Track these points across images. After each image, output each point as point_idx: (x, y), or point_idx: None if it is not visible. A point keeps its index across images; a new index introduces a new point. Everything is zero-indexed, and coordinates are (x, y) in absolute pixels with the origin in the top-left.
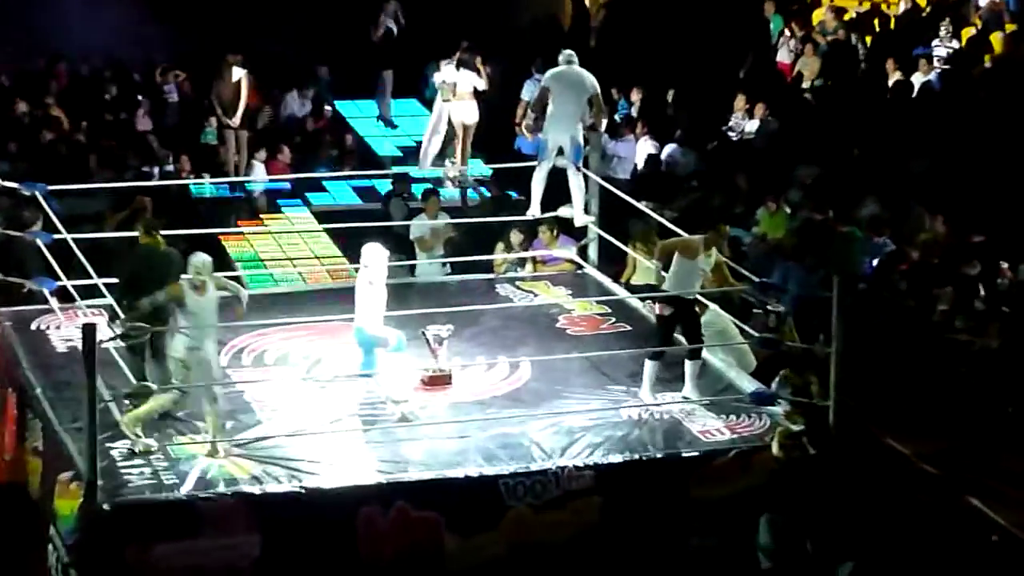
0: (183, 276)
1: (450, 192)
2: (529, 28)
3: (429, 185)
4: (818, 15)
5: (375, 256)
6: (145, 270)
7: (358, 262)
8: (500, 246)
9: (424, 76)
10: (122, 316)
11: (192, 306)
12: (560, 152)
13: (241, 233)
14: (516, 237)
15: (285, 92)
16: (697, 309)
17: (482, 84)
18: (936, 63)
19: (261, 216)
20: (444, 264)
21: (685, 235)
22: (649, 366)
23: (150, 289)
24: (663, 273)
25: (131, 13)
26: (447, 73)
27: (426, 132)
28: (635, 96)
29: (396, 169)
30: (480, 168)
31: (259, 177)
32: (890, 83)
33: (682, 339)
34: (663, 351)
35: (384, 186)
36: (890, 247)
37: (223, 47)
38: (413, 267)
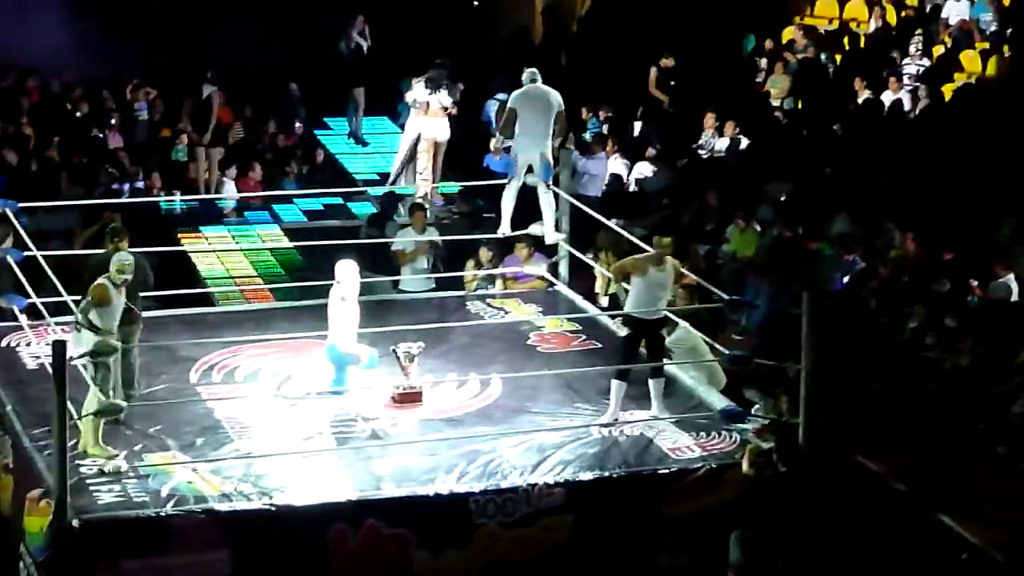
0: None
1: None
2: (502, 43)
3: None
4: (788, 33)
5: (347, 273)
6: (137, 273)
7: (328, 279)
8: (470, 263)
9: (398, 93)
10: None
11: (115, 306)
12: (530, 170)
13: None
14: (485, 254)
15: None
16: (664, 330)
17: (449, 103)
18: (906, 80)
19: (231, 233)
20: (428, 277)
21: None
22: (615, 386)
23: (139, 291)
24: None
25: (100, 29)
26: (418, 91)
27: (400, 149)
28: (603, 114)
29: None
30: (449, 187)
31: (230, 194)
32: (860, 101)
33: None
34: (629, 370)
35: (361, 207)
36: (860, 265)
37: (194, 64)
38: (395, 283)
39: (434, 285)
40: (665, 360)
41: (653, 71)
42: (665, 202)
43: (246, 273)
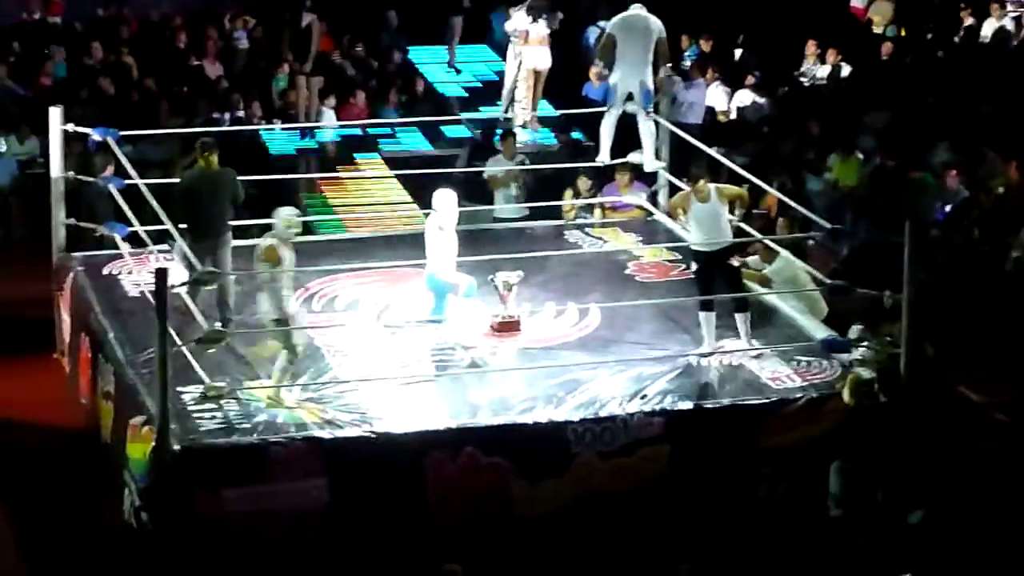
0: (273, 233)
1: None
2: None
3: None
4: None
5: (445, 202)
6: (203, 188)
7: (429, 208)
8: (568, 192)
9: (491, 22)
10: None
11: (288, 263)
12: (629, 98)
13: (312, 180)
14: (584, 183)
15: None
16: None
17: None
18: (1010, 7)
19: (333, 165)
20: (520, 203)
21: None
22: (702, 317)
23: (210, 208)
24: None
25: None
26: (518, 19)
27: (506, 79)
28: (705, 44)
29: (464, 115)
30: (549, 111)
31: (329, 123)
32: (963, 28)
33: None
34: (711, 301)
35: (455, 131)
36: (964, 193)
37: None
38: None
39: (527, 212)
40: (765, 290)
41: None
42: (765, 130)
43: (375, 201)
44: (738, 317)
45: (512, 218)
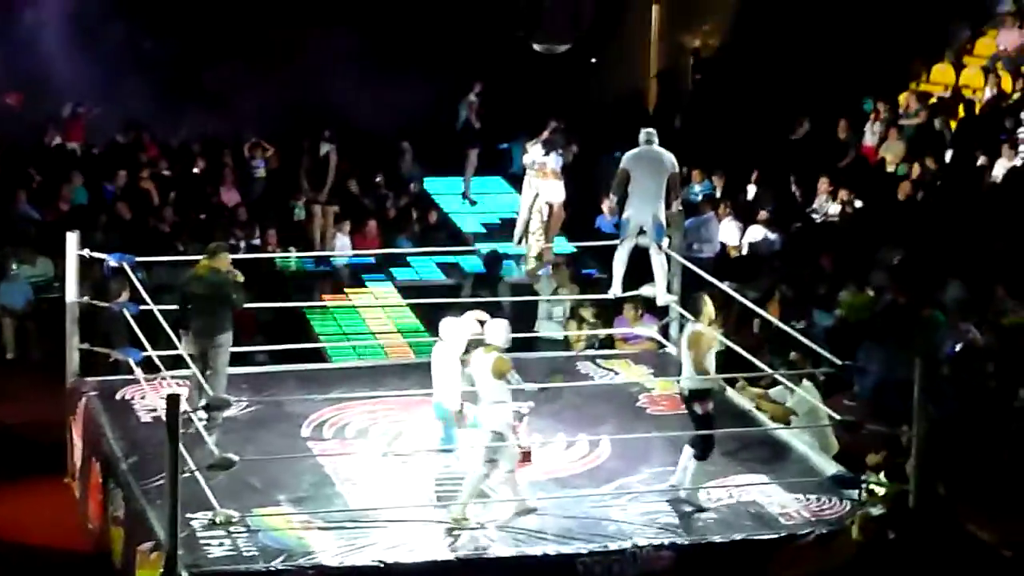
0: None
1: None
2: (612, 105)
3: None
4: (902, 99)
5: (451, 330)
6: (199, 289)
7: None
8: (572, 323)
9: (508, 153)
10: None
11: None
12: (641, 231)
13: (324, 306)
14: (588, 312)
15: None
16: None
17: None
18: (1021, 148)
19: (345, 290)
20: (560, 323)
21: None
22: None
23: (204, 308)
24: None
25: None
26: (535, 153)
27: (521, 211)
28: (717, 179)
29: (481, 247)
30: (564, 246)
31: (344, 250)
32: (976, 166)
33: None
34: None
35: (468, 262)
36: (973, 333)
37: (311, 123)
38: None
39: (564, 335)
40: (780, 425)
41: None
42: (777, 264)
43: (386, 329)
44: (686, 451)
45: (554, 336)
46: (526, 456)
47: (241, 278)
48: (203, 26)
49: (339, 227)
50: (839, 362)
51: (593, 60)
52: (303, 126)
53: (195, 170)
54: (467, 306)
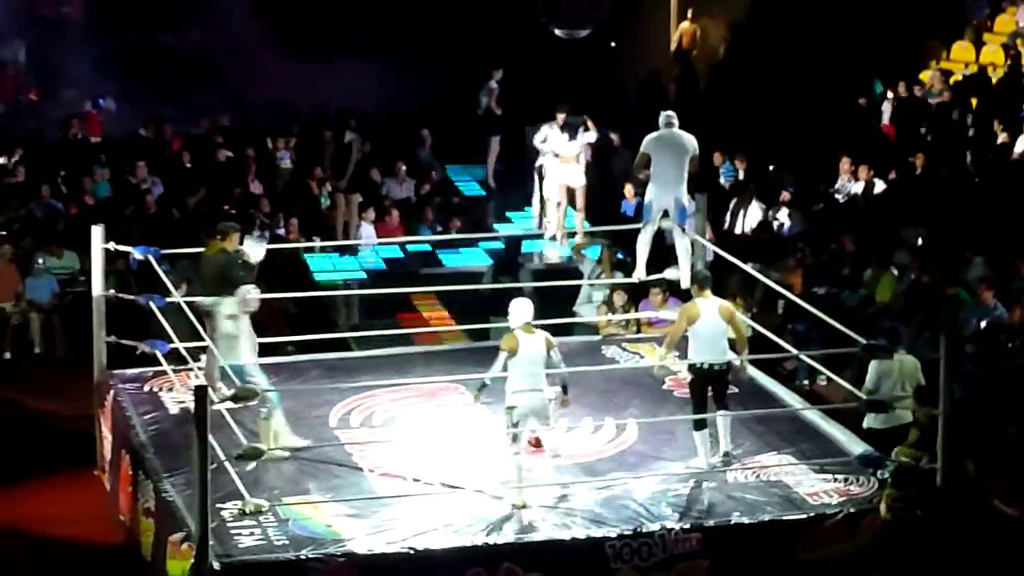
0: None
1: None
2: (636, 90)
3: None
4: (924, 77)
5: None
6: (215, 270)
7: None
8: (603, 308)
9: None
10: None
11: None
12: (665, 214)
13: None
14: (620, 298)
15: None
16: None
17: (592, 136)
18: None
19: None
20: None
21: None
22: (696, 436)
23: (208, 286)
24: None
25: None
26: (553, 135)
27: (535, 194)
28: (739, 161)
29: (503, 230)
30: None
31: (368, 239)
32: (997, 144)
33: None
34: (704, 420)
35: (491, 247)
36: (999, 310)
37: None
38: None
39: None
40: (808, 405)
41: None
42: (801, 246)
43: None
44: (721, 420)
45: (591, 320)
46: (536, 443)
47: (251, 259)
48: (221, 18)
49: (363, 216)
50: (864, 341)
51: (612, 44)
52: (323, 116)
53: (219, 161)
54: (489, 293)
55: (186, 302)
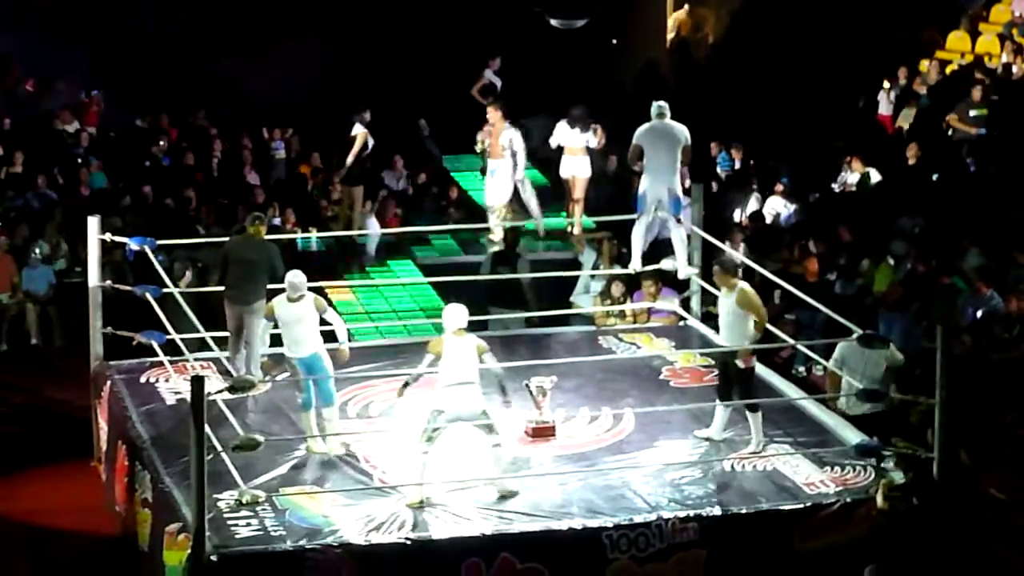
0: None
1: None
2: (633, 81)
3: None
4: (923, 67)
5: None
6: (241, 254)
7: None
8: (600, 299)
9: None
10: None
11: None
12: (659, 205)
13: (347, 286)
14: (617, 289)
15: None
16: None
17: (595, 142)
18: None
19: (367, 269)
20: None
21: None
22: (752, 418)
23: (245, 274)
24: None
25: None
26: (561, 130)
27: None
28: (735, 151)
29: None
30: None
31: (373, 231)
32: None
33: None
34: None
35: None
36: (996, 300)
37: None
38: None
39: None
40: (799, 394)
41: None
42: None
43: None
44: (751, 417)
45: (586, 310)
46: (549, 430)
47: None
48: (216, 10)
49: (367, 208)
50: (860, 331)
51: (614, 41)
52: (321, 106)
53: (216, 152)
54: (487, 284)
55: (195, 292)
